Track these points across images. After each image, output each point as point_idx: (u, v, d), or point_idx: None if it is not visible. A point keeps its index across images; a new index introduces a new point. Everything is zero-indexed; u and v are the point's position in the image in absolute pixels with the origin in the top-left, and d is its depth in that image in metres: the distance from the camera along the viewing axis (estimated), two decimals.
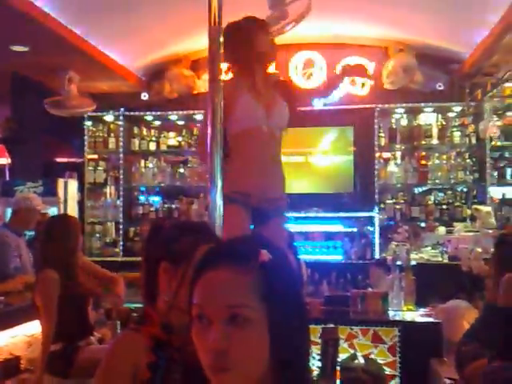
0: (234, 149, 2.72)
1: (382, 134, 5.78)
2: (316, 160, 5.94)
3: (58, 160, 6.61)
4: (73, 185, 5.93)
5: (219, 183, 2.08)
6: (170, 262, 1.52)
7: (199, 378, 0.95)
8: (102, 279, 3.70)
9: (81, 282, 3.37)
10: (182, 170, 6.15)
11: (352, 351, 3.91)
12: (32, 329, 3.56)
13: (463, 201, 5.72)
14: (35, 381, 3.05)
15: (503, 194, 5.65)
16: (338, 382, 3.44)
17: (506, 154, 5.73)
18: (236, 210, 2.59)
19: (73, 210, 5.82)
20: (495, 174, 5.59)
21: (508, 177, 5.61)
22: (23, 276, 4.25)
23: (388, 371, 3.85)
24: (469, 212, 5.55)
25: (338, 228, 5.68)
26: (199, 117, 6.08)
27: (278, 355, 0.91)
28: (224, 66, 2.69)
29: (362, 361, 3.73)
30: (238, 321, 0.88)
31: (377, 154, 5.69)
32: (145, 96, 6.18)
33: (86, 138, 6.15)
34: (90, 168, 6.20)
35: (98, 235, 6.15)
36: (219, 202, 2.07)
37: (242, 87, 2.74)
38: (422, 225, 5.74)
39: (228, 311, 0.88)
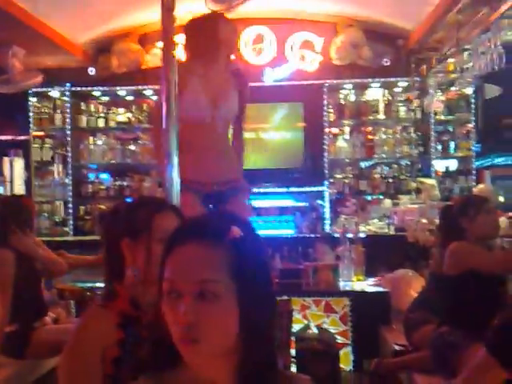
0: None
1: (331, 110, 5.87)
2: (267, 136, 5.99)
3: (2, 138, 6.38)
4: (19, 163, 5.77)
5: (175, 160, 2.09)
6: (130, 237, 1.54)
7: (168, 354, 0.98)
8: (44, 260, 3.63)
9: (34, 262, 3.33)
10: (132, 147, 6.06)
11: (305, 322, 4.03)
12: None
13: (408, 174, 5.89)
14: None
15: (447, 167, 5.87)
16: (292, 351, 3.55)
17: (450, 128, 5.93)
18: (189, 197, 2.62)
19: (20, 189, 5.68)
20: (439, 147, 5.79)
21: (451, 150, 5.81)
22: None
23: (340, 340, 3.99)
24: (414, 185, 5.73)
25: (289, 203, 5.77)
26: (148, 92, 6.00)
27: (246, 329, 0.94)
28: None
29: (315, 331, 3.85)
30: (207, 295, 0.91)
31: (326, 130, 5.77)
32: (92, 71, 6.03)
33: (31, 114, 5.95)
34: (36, 145, 6.02)
35: (46, 214, 6.02)
36: (176, 178, 2.08)
37: (193, 73, 2.78)
38: (369, 198, 5.91)
39: (198, 286, 0.91)
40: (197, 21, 2.87)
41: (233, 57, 3.09)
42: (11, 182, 5.63)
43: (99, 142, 6.08)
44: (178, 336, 0.93)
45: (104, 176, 6.22)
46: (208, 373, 0.98)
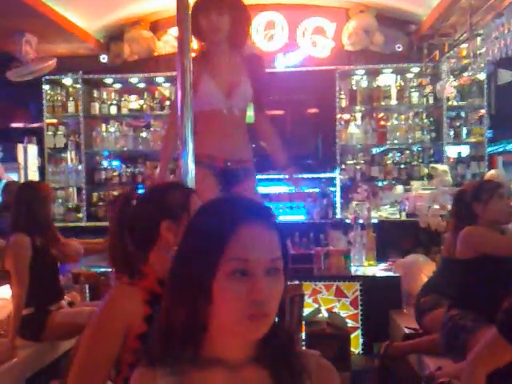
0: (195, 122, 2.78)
1: (343, 96, 5.86)
2: (279, 122, 5.99)
3: (16, 125, 6.46)
4: (33, 150, 5.85)
5: (191, 146, 2.11)
6: (170, 219, 1.61)
7: (181, 341, 1.03)
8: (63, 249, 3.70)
9: (51, 246, 3.40)
10: (144, 134, 6.10)
11: (316, 306, 4.07)
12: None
13: (420, 160, 5.87)
14: (8, 345, 3.07)
15: (459, 153, 5.85)
16: (303, 335, 3.59)
17: (462, 114, 5.89)
18: (201, 172, 2.64)
19: (34, 176, 5.76)
20: (451, 133, 5.76)
21: (464, 136, 5.78)
22: None
23: (351, 323, 4.03)
24: (426, 171, 5.72)
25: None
26: (160, 79, 6.02)
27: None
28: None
29: (325, 314, 3.88)
30: (272, 272, 0.98)
31: (338, 116, 5.76)
32: (104, 58, 6.05)
33: (44, 102, 5.99)
34: (50, 133, 6.06)
35: (59, 201, 6.08)
36: (191, 165, 2.11)
37: (204, 66, 2.79)
38: (382, 184, 5.90)
39: (270, 264, 0.98)
40: (196, 7, 2.76)
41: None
42: (25, 168, 5.70)
43: (112, 129, 6.12)
44: (248, 313, 0.96)
45: (116, 163, 6.27)
46: (234, 353, 1.03)
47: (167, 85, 6.06)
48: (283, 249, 1.02)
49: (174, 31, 5.59)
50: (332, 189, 5.75)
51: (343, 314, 4.07)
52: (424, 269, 4.00)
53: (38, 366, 3.28)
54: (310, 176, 5.72)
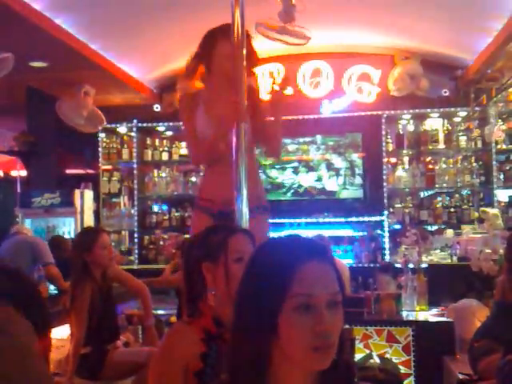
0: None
1: (390, 140, 5.90)
2: (326, 166, 6.06)
3: (73, 171, 6.75)
4: (89, 195, 6.06)
5: (245, 191, 2.20)
6: (209, 261, 1.67)
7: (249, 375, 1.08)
8: (129, 289, 3.82)
9: (110, 289, 3.52)
10: (193, 179, 6.27)
11: (367, 351, 4.02)
12: (57, 333, 3.68)
13: (470, 204, 5.82)
14: (66, 383, 3.16)
15: (509, 197, 5.76)
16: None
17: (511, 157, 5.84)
18: (198, 215, 2.73)
19: (89, 220, 5.96)
20: (501, 176, 5.70)
21: None
22: (44, 286, 4.38)
23: (403, 370, 3.96)
24: (476, 215, 5.65)
25: (348, 232, 5.79)
26: None
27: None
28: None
29: (377, 360, 3.83)
30: (333, 305, 1.04)
31: (385, 160, 5.80)
32: (157, 108, 6.33)
33: (100, 149, 6.28)
34: (105, 179, 6.33)
35: (113, 244, 6.24)
36: (245, 209, 2.19)
37: (202, 100, 2.78)
38: (431, 228, 5.85)
39: (330, 297, 1.04)
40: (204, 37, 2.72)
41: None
42: (81, 212, 5.91)
43: (163, 175, 6.33)
44: (315, 345, 1.02)
45: (167, 207, 6.44)
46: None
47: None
48: (339, 283, 1.08)
49: None
50: (380, 232, 5.73)
51: (395, 359, 4.00)
52: (477, 314, 3.92)
53: None
54: (357, 220, 5.75)
